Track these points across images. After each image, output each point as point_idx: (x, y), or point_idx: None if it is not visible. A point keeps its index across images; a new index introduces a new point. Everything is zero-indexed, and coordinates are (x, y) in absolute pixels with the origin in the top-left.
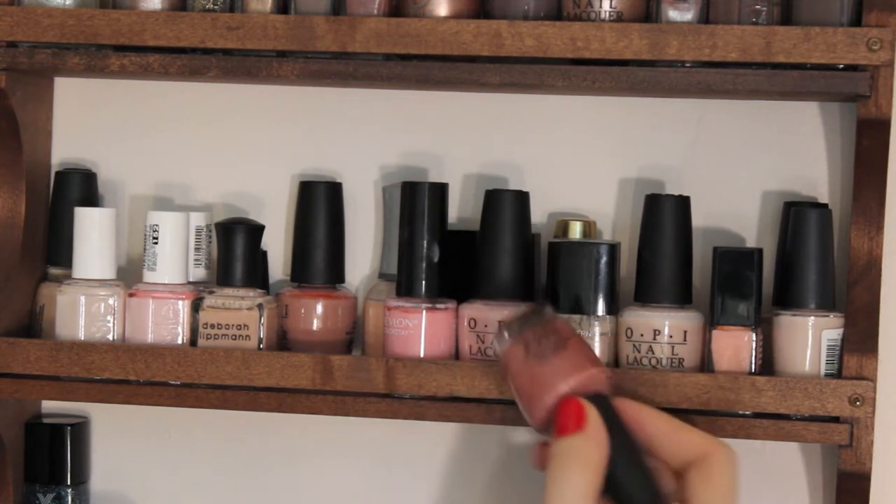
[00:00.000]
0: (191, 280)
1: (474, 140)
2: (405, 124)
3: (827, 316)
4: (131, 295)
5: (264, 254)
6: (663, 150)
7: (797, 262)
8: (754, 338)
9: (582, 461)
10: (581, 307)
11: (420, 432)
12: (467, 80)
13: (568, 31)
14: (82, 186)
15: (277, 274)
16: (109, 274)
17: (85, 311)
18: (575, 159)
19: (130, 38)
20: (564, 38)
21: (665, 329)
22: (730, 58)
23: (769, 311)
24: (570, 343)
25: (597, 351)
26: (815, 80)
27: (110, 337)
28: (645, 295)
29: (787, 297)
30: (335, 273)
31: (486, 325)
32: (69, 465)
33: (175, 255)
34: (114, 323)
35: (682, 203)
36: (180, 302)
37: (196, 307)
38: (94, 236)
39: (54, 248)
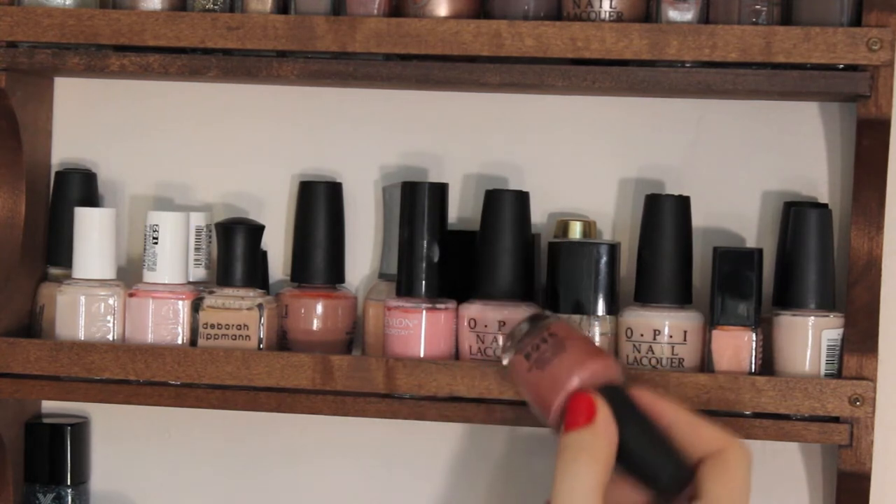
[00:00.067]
0: (191, 280)
1: (474, 140)
2: (405, 124)
3: (827, 316)
4: (131, 295)
5: (264, 254)
6: (663, 150)
7: (797, 262)
8: (754, 338)
9: (590, 455)
10: (581, 307)
11: (420, 432)
12: (467, 80)
13: (568, 31)
14: (82, 186)
15: (277, 274)
16: (109, 274)
17: (85, 311)
18: (575, 159)
19: (130, 38)
20: (564, 38)
21: (665, 329)
22: (730, 58)
23: (769, 311)
24: (568, 343)
25: None
26: (815, 80)
27: (110, 337)
28: (645, 295)
29: (787, 297)
30: (335, 273)
31: (486, 325)
32: (69, 465)
33: (175, 255)
34: (114, 323)
35: (682, 203)
36: (180, 302)
37: (196, 307)
38: (94, 236)
39: (54, 248)
